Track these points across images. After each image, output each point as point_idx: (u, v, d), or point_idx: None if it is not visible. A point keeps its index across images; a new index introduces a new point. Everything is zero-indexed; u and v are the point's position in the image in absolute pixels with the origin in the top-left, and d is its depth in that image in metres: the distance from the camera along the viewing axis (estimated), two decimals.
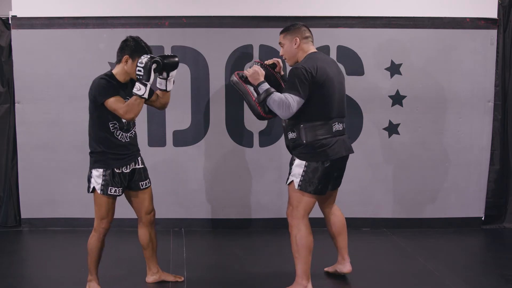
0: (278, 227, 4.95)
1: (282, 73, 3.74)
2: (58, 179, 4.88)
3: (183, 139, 4.88)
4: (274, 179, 4.95)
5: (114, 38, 4.73)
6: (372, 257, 4.17)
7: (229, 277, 3.87)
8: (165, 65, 3.41)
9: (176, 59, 3.47)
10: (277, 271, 4.00)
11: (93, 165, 3.52)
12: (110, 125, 3.45)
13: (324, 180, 3.47)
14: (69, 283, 3.80)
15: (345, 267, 3.85)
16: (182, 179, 4.90)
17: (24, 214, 4.94)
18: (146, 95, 3.29)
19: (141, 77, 3.25)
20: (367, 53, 4.83)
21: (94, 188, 3.50)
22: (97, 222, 3.55)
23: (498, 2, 4.88)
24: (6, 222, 5.00)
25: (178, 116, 4.84)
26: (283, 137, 4.83)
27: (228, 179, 4.94)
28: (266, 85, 3.45)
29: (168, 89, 3.56)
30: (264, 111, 3.47)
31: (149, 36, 4.71)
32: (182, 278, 3.82)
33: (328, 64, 3.50)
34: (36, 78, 4.76)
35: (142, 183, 3.62)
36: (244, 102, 3.52)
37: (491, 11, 4.87)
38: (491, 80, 4.93)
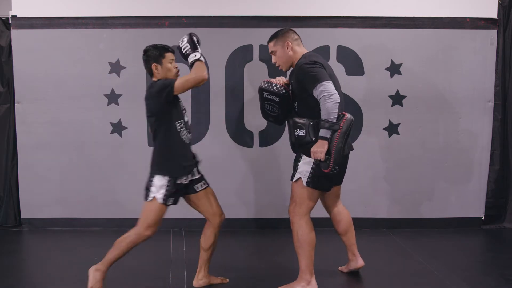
0: (279, 227, 4.96)
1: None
2: (58, 179, 4.88)
3: None
4: (274, 179, 4.95)
5: (114, 38, 4.76)
6: (372, 257, 4.17)
7: (229, 277, 3.87)
8: (183, 54, 3.50)
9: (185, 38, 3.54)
10: (278, 270, 4.01)
11: (158, 171, 3.46)
12: (177, 125, 3.44)
13: (331, 177, 3.51)
14: (69, 283, 3.80)
15: (357, 262, 3.89)
16: None
17: (24, 214, 4.94)
18: (202, 59, 3.37)
19: (188, 50, 3.39)
20: (367, 53, 4.83)
21: (153, 197, 3.45)
22: (142, 228, 3.48)
23: (498, 2, 4.88)
24: (6, 222, 5.00)
25: None
26: (283, 137, 4.87)
27: (228, 179, 4.93)
28: (321, 131, 3.33)
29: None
30: (343, 116, 3.36)
31: (149, 36, 4.74)
32: (228, 280, 3.81)
33: (325, 62, 3.55)
34: (36, 78, 4.76)
35: (197, 185, 3.60)
36: (346, 135, 3.38)
37: (491, 11, 4.87)
38: (491, 80, 4.93)
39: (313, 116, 3.42)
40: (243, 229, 4.96)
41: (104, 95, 4.81)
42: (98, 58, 4.76)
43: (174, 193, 3.48)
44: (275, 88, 3.52)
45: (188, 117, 3.59)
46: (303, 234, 3.52)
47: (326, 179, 3.49)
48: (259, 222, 5.02)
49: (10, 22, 4.72)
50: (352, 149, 3.63)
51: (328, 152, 3.33)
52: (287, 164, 4.86)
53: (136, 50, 4.73)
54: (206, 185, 3.66)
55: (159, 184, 3.43)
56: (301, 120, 3.45)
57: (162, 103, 3.36)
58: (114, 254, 3.50)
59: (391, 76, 4.88)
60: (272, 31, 4.73)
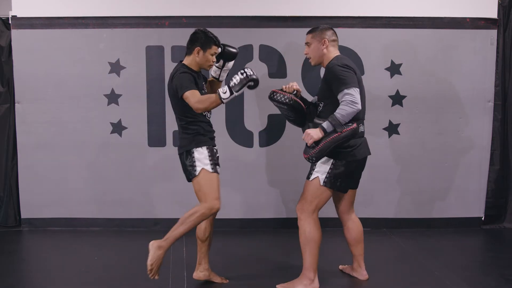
0: (279, 227, 4.96)
1: (300, 95, 3.69)
2: (58, 179, 4.88)
3: None
4: (274, 179, 4.95)
5: (114, 38, 4.76)
6: (372, 257, 4.17)
7: (230, 277, 3.87)
8: (223, 54, 3.55)
9: (235, 50, 3.58)
10: (278, 270, 4.00)
11: (195, 145, 3.50)
12: None
13: (349, 178, 3.57)
14: (69, 283, 3.80)
15: (361, 275, 3.88)
16: (182, 179, 4.87)
17: (24, 214, 4.94)
18: (226, 101, 3.37)
19: (234, 85, 3.32)
20: (367, 53, 4.83)
21: (201, 170, 3.47)
22: (211, 202, 3.45)
23: (498, 2, 4.88)
24: (6, 222, 5.00)
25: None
26: (283, 137, 4.88)
27: (228, 179, 4.93)
28: (326, 124, 3.39)
29: (220, 79, 3.65)
30: (351, 125, 3.41)
31: (149, 36, 4.75)
32: (228, 281, 3.81)
33: (356, 68, 3.57)
34: (36, 78, 4.76)
35: (219, 168, 3.63)
36: (339, 142, 3.43)
37: (491, 11, 4.87)
38: (491, 80, 4.93)
39: None
40: (243, 229, 4.96)
41: (104, 95, 4.81)
42: (98, 58, 4.76)
43: (217, 162, 3.56)
44: (279, 98, 3.58)
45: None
46: (311, 231, 3.54)
47: (343, 179, 3.52)
48: (259, 222, 5.01)
49: (10, 22, 4.72)
50: (369, 153, 3.66)
51: (317, 142, 3.39)
52: (287, 164, 4.90)
53: (136, 50, 4.78)
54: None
55: (201, 157, 3.50)
56: (321, 122, 3.47)
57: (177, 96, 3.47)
58: (179, 231, 3.46)
59: (391, 76, 4.88)
60: (272, 31, 4.78)
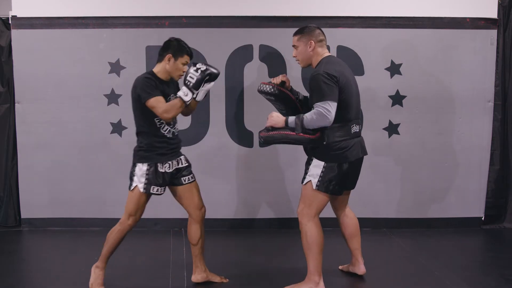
0: (279, 227, 4.96)
1: (290, 87, 3.70)
2: (58, 179, 4.88)
3: (183, 139, 4.85)
4: (274, 179, 4.95)
5: (114, 38, 4.76)
6: (372, 257, 4.17)
7: (230, 277, 3.87)
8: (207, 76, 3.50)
9: (216, 71, 3.47)
10: (278, 270, 4.00)
11: (138, 160, 3.53)
12: (156, 121, 3.49)
13: (342, 181, 3.53)
14: (69, 283, 3.80)
15: (359, 269, 3.89)
16: None
17: (24, 214, 4.94)
18: (189, 102, 3.37)
19: (190, 84, 3.33)
20: (367, 53, 4.83)
21: (135, 186, 3.51)
22: (124, 218, 3.58)
23: (498, 2, 4.88)
24: (6, 222, 5.00)
25: (178, 116, 4.81)
26: None
27: (228, 179, 4.94)
28: (291, 118, 3.41)
29: (197, 99, 3.51)
30: (311, 134, 3.41)
31: (149, 36, 4.75)
32: (228, 280, 3.82)
33: (344, 68, 3.54)
34: (36, 78, 4.76)
35: (184, 178, 3.63)
36: (289, 144, 3.46)
37: (491, 11, 4.87)
38: (491, 80, 4.93)
39: None
40: (243, 229, 4.96)
41: (104, 95, 4.81)
42: (98, 58, 4.76)
43: (157, 182, 3.51)
44: (266, 89, 3.60)
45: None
46: (312, 235, 3.52)
47: (336, 182, 3.50)
48: (259, 222, 5.01)
49: (10, 22, 4.72)
50: (366, 153, 3.64)
51: (273, 129, 3.43)
52: (287, 164, 4.90)
53: (136, 50, 4.78)
54: (193, 179, 3.68)
55: (140, 173, 3.50)
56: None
57: (137, 101, 3.45)
58: (106, 248, 3.61)
59: (391, 76, 4.88)
60: (272, 31, 4.78)
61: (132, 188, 3.53)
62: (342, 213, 3.85)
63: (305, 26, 3.62)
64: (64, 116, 4.81)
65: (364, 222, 4.91)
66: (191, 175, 3.68)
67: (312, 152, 3.54)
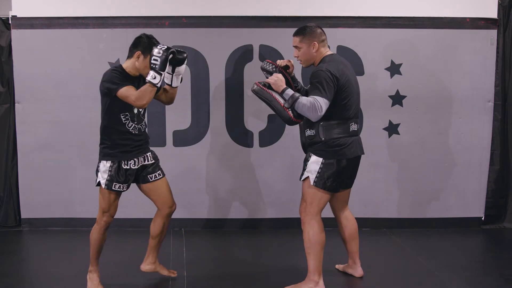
0: (279, 227, 4.96)
1: (293, 74, 3.73)
2: (58, 179, 4.88)
3: (183, 139, 4.88)
4: (274, 179, 4.95)
5: (114, 38, 4.76)
6: (372, 257, 4.17)
7: (230, 277, 3.87)
8: (172, 60, 3.44)
9: (184, 55, 3.50)
10: (278, 270, 4.00)
11: (102, 157, 3.54)
12: (122, 116, 3.47)
13: (339, 178, 3.54)
14: (69, 283, 3.80)
15: (356, 271, 3.90)
16: (182, 179, 4.90)
17: (24, 214, 4.94)
18: (159, 84, 3.33)
19: (156, 66, 3.29)
20: (367, 53, 4.83)
21: (99, 182, 3.54)
22: (99, 215, 3.61)
23: (498, 2, 4.88)
24: (6, 222, 5.00)
25: (178, 116, 4.84)
26: (283, 137, 4.88)
27: (228, 179, 4.94)
28: (290, 91, 3.43)
29: (173, 85, 3.57)
30: (294, 116, 3.44)
31: None
32: (176, 274, 3.84)
33: (346, 66, 3.55)
34: (36, 78, 4.76)
35: (151, 175, 3.63)
36: (270, 108, 3.48)
37: (491, 11, 4.87)
38: (491, 80, 4.93)
39: (324, 117, 3.44)
40: (243, 229, 4.96)
41: None
42: (98, 58, 4.76)
43: (119, 179, 3.51)
44: (268, 67, 3.65)
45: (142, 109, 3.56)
46: (315, 234, 3.53)
47: (333, 179, 3.51)
48: (259, 222, 5.01)
49: (10, 22, 4.72)
50: (362, 152, 3.65)
51: (269, 87, 3.45)
52: (287, 164, 4.89)
53: None
54: (161, 176, 3.67)
55: (103, 170, 3.51)
56: (311, 120, 3.48)
57: (106, 95, 3.44)
58: (91, 250, 3.65)
59: (391, 76, 4.88)
60: (272, 31, 4.77)
61: (96, 183, 3.56)
62: (341, 214, 3.85)
63: (305, 26, 3.62)
64: (64, 116, 4.81)
65: (364, 222, 4.93)
66: (159, 171, 3.66)
67: (311, 148, 3.54)
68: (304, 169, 3.58)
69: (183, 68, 3.55)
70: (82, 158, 4.87)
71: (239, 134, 4.90)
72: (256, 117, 4.88)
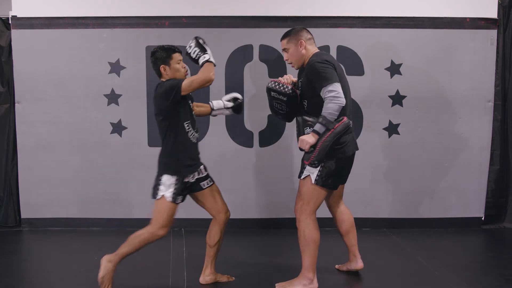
0: (279, 227, 4.95)
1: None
2: (58, 179, 4.88)
3: None
4: (274, 179, 4.95)
5: (114, 38, 4.76)
6: (372, 257, 4.17)
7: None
8: (234, 107, 3.87)
9: (239, 100, 3.92)
10: (278, 270, 4.00)
11: (166, 171, 3.51)
12: (185, 125, 3.50)
13: (338, 175, 3.58)
14: (69, 283, 3.80)
15: (357, 264, 3.92)
16: None
17: (24, 214, 4.94)
18: (212, 59, 3.45)
19: (198, 55, 3.45)
20: (367, 53, 4.83)
21: (162, 196, 3.51)
22: (155, 228, 3.52)
23: (498, 2, 4.88)
24: (6, 222, 5.00)
25: None
26: (283, 137, 4.88)
27: (228, 179, 4.92)
28: (316, 127, 3.38)
29: (214, 108, 3.89)
30: (340, 121, 3.41)
31: (149, 36, 4.75)
32: (234, 278, 3.84)
33: (336, 63, 3.57)
34: (36, 78, 4.76)
35: (203, 183, 3.66)
36: (334, 138, 3.41)
37: (491, 11, 4.87)
38: (491, 80, 4.93)
39: (320, 114, 3.43)
40: (243, 229, 4.95)
41: (104, 95, 4.81)
42: (98, 58, 4.76)
43: (182, 191, 3.54)
44: (282, 88, 3.56)
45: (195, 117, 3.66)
46: (310, 232, 3.55)
47: (334, 177, 3.53)
48: (259, 222, 5.02)
49: (10, 22, 4.72)
50: (357, 149, 3.67)
51: (314, 146, 3.38)
52: (287, 164, 4.90)
53: (136, 50, 4.78)
54: (211, 183, 3.71)
55: (168, 183, 3.50)
56: (310, 118, 3.49)
57: (170, 104, 3.41)
58: (126, 249, 3.55)
59: (391, 76, 4.88)
60: (272, 31, 4.77)
61: (158, 197, 3.52)
62: (337, 209, 3.88)
63: (291, 28, 3.68)
64: (64, 116, 4.81)
65: (364, 222, 4.93)
66: (209, 178, 3.70)
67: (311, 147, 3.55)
68: (303, 168, 3.59)
69: (230, 111, 3.90)
70: (82, 158, 4.87)
71: (239, 134, 4.90)
72: (256, 117, 4.88)
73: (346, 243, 3.91)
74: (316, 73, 3.43)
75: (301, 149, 3.48)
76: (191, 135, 3.54)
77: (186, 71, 3.57)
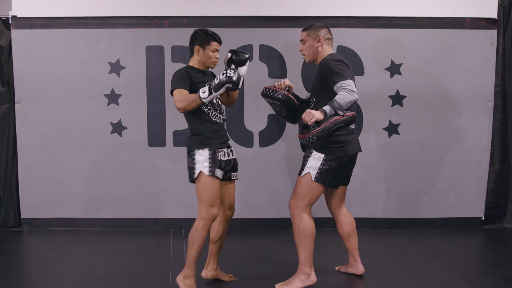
0: (279, 227, 4.95)
1: (292, 90, 3.73)
2: (58, 179, 4.88)
3: (183, 139, 4.85)
4: (274, 179, 4.95)
5: (114, 38, 4.76)
6: (372, 257, 4.17)
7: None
8: (233, 60, 3.52)
9: (246, 56, 3.56)
10: (278, 270, 4.00)
11: (198, 146, 3.48)
12: (204, 108, 3.49)
13: (339, 174, 3.60)
14: (69, 283, 3.80)
15: (357, 269, 3.90)
16: (182, 179, 4.88)
17: (24, 214, 4.94)
18: (205, 101, 3.35)
19: (214, 85, 3.33)
20: (367, 53, 4.83)
21: (200, 173, 3.45)
22: (205, 210, 3.45)
23: (498, 2, 4.88)
24: (6, 222, 5.00)
25: (178, 116, 4.80)
26: (283, 137, 4.88)
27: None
28: (327, 107, 3.36)
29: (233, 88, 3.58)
30: (349, 113, 3.39)
31: (149, 36, 4.75)
32: (236, 278, 3.83)
33: (348, 65, 3.60)
34: (36, 78, 4.76)
35: (234, 174, 3.65)
36: (340, 124, 3.36)
37: (491, 11, 4.87)
38: (491, 80, 4.93)
39: None
40: (243, 229, 4.95)
41: (104, 95, 4.81)
42: (98, 58, 4.76)
43: (219, 165, 3.50)
44: (273, 94, 3.62)
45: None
46: (304, 226, 3.56)
47: (334, 175, 3.56)
48: (259, 222, 5.02)
49: (10, 22, 4.72)
50: (360, 150, 3.68)
51: (318, 123, 3.32)
52: (287, 164, 4.90)
53: (136, 50, 4.78)
54: (237, 178, 3.71)
55: (202, 159, 3.47)
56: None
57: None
58: (193, 251, 3.48)
59: (391, 76, 4.88)
60: (272, 31, 4.78)
61: (196, 175, 3.46)
62: (339, 212, 3.87)
63: (314, 23, 3.72)
64: (64, 116, 4.81)
65: (364, 222, 4.93)
66: (237, 173, 3.69)
67: (312, 145, 3.55)
68: (304, 165, 3.61)
69: (244, 69, 3.57)
70: (82, 158, 4.87)
71: (239, 134, 4.90)
72: (256, 117, 4.88)
73: (347, 247, 3.90)
74: (331, 70, 3.46)
75: (301, 128, 3.44)
76: (213, 116, 3.53)
77: (217, 60, 3.56)
